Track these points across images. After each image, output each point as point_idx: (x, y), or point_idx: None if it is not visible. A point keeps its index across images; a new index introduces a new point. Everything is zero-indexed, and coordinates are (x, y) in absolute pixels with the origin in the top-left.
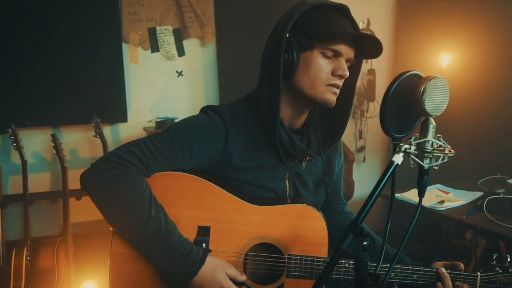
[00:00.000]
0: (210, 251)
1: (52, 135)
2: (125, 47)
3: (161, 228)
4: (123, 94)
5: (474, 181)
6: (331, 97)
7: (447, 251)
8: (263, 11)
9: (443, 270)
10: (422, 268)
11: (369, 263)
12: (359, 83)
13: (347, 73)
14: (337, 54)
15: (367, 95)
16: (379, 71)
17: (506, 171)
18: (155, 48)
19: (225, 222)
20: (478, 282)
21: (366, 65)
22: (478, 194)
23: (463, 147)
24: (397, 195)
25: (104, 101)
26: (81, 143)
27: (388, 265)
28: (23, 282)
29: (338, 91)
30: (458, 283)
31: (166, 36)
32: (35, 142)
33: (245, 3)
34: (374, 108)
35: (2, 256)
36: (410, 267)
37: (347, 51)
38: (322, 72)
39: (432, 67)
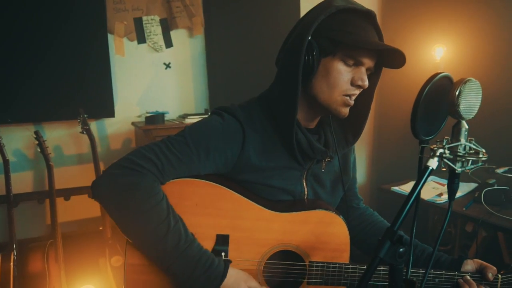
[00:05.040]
0: (230, 262)
1: (36, 132)
2: (110, 38)
3: (180, 240)
4: (109, 88)
5: (465, 171)
6: (345, 109)
7: (432, 238)
8: (254, 1)
9: (468, 277)
10: (444, 272)
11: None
12: None
13: (367, 84)
14: (358, 63)
15: None
16: None
17: (493, 161)
18: (141, 39)
19: (244, 230)
20: (499, 285)
21: None
22: (473, 185)
23: None
24: (395, 188)
25: (89, 95)
26: (65, 140)
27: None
28: None
29: (352, 102)
30: (482, 287)
31: (153, 27)
32: (15, 139)
33: None
34: None
35: None
36: (432, 271)
37: (369, 61)
38: (342, 81)
39: (425, 60)
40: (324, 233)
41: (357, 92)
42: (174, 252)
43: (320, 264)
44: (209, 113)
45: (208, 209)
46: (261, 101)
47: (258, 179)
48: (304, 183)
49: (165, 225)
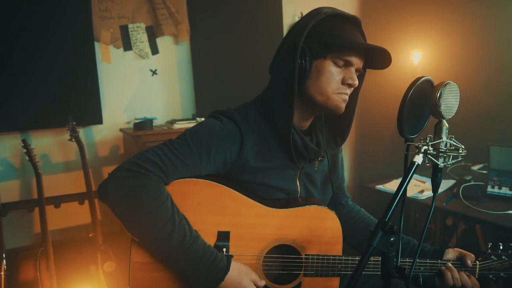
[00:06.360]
0: (231, 256)
1: (23, 141)
2: (96, 46)
3: (185, 236)
4: (97, 95)
5: (444, 169)
6: (341, 104)
7: (414, 234)
8: (238, 8)
9: (450, 264)
10: (428, 261)
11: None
12: None
13: (357, 83)
14: (348, 64)
15: None
16: None
17: (468, 159)
18: (127, 46)
19: (244, 226)
20: (477, 270)
21: None
22: (451, 182)
23: None
24: (379, 186)
25: (76, 103)
26: (52, 148)
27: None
28: None
29: (347, 98)
30: (463, 273)
31: (138, 34)
32: (2, 148)
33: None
34: None
35: None
36: (418, 260)
37: (357, 61)
38: (333, 81)
39: (404, 64)
40: (318, 227)
41: (349, 91)
42: (179, 248)
43: (315, 257)
44: (207, 117)
45: (209, 207)
46: (257, 104)
47: (255, 179)
48: (298, 182)
49: (171, 223)
